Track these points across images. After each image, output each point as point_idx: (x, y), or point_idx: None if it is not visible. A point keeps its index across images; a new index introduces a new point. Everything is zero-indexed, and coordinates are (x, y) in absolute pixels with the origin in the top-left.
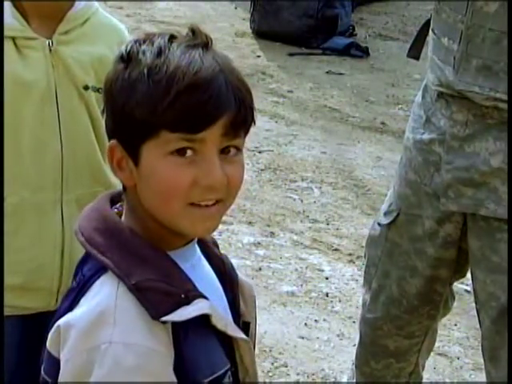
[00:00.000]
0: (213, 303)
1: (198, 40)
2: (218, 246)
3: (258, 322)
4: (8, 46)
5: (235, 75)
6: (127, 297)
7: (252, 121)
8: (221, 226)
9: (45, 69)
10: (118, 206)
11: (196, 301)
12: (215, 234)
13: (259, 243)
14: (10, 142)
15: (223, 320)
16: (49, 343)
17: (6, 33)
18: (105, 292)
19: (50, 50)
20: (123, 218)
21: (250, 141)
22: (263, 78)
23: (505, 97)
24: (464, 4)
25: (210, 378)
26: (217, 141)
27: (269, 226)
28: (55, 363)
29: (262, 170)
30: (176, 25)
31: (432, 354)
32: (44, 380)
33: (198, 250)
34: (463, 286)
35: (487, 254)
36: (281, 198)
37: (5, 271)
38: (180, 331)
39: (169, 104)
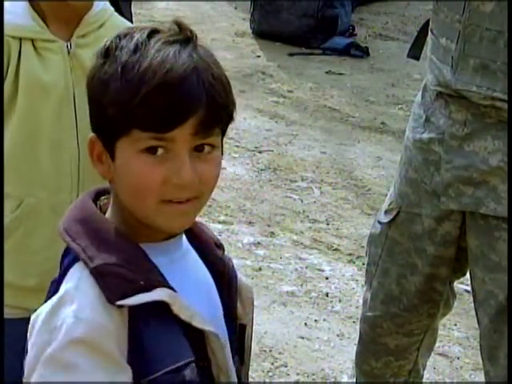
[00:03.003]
0: (176, 294)
1: (180, 35)
2: (222, 248)
3: (257, 321)
4: (26, 47)
5: (210, 73)
6: (88, 280)
7: (229, 118)
8: (221, 226)
9: (63, 71)
10: (102, 198)
11: (157, 289)
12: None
13: (259, 243)
14: (28, 143)
15: (189, 311)
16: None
17: (25, 34)
18: (73, 278)
19: (69, 53)
20: (108, 210)
21: (250, 141)
22: (263, 78)
23: (502, 96)
24: (461, 4)
25: (170, 368)
26: (187, 140)
27: (269, 225)
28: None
29: (262, 169)
30: None
31: (432, 353)
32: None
33: (183, 246)
34: (463, 285)
35: (486, 252)
36: (281, 197)
37: (20, 273)
38: (139, 319)
39: (138, 104)
